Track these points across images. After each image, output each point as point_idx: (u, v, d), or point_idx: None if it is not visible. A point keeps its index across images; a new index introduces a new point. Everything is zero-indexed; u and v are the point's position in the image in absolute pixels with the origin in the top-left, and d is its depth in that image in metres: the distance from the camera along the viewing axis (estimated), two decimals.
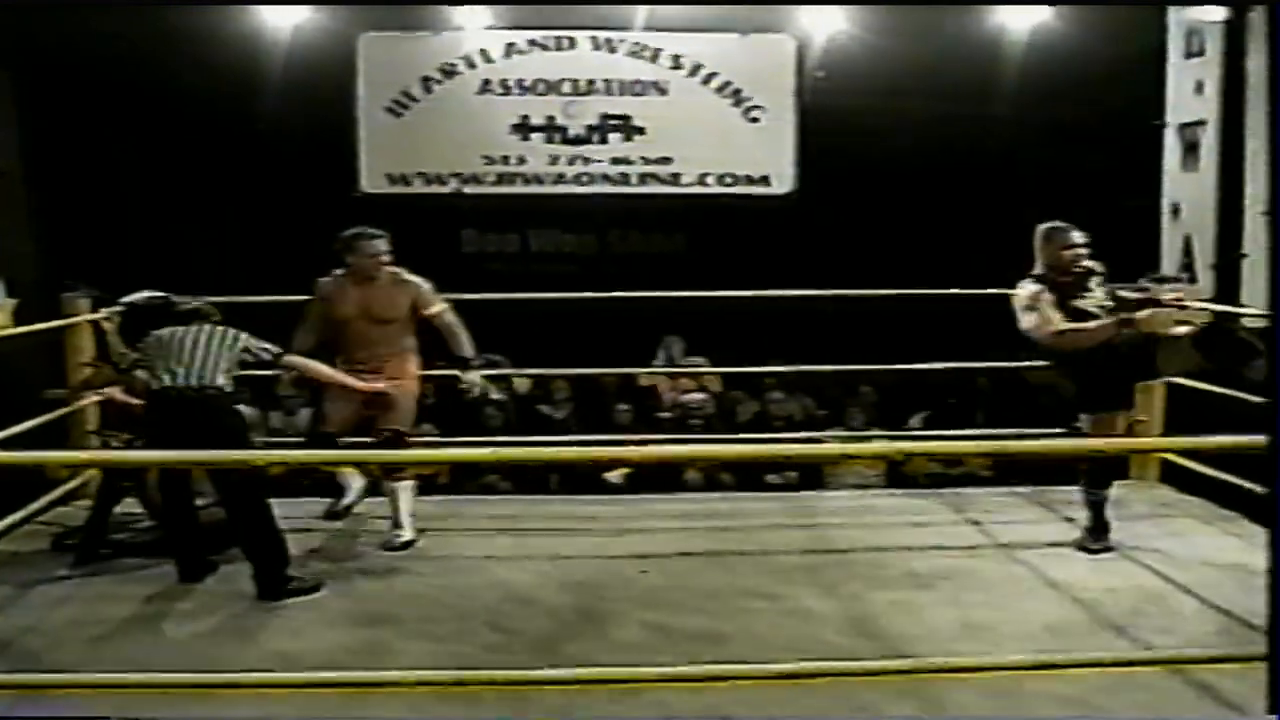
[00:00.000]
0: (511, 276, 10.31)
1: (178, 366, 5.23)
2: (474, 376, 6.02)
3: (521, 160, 9.77)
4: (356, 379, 5.78)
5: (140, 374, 5.44)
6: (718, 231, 10.64)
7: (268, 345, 5.45)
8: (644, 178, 9.81)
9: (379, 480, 6.04)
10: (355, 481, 6.06)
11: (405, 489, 5.97)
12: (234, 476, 5.06)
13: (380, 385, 5.80)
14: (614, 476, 7.98)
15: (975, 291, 7.02)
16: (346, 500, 6.05)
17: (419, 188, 9.69)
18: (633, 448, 6.49)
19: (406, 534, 5.90)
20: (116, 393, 5.76)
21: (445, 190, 9.73)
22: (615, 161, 9.82)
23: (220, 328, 5.44)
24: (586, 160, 9.80)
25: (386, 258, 5.93)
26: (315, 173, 9.76)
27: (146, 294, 6.36)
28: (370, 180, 9.70)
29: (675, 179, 9.83)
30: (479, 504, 6.41)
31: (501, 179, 9.76)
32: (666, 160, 9.83)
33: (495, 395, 8.96)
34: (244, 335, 5.42)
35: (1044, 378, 8.80)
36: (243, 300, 6.25)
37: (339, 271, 5.97)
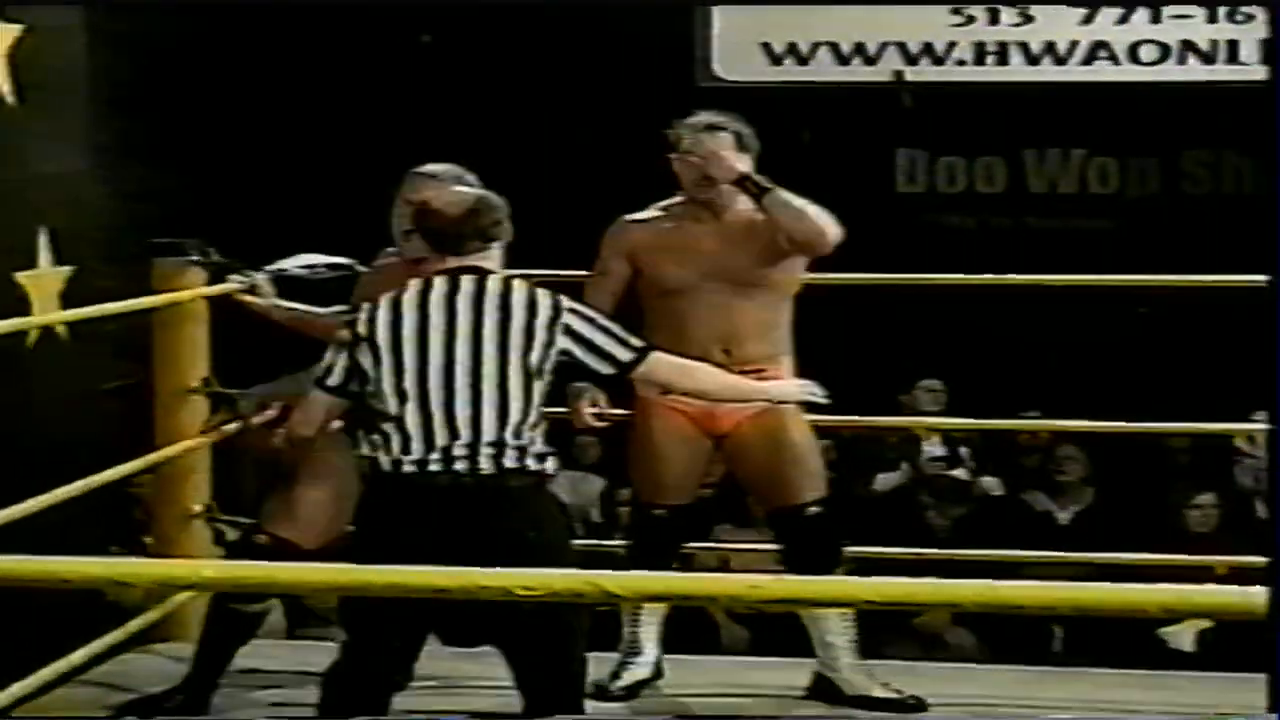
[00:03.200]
0: (986, 239, 10.64)
1: (432, 410, 4.84)
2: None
3: (1026, 18, 9.79)
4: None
5: (319, 403, 5.04)
6: None
7: (621, 331, 5.08)
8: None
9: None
10: (649, 638, 6.23)
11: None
12: (544, 624, 4.70)
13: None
14: (1180, 635, 8.05)
15: None
16: (634, 674, 6.19)
17: (822, 72, 9.95)
18: None
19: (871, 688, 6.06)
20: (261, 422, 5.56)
21: (875, 79, 10.00)
22: (1212, 20, 9.75)
23: (511, 284, 4.93)
24: (1158, 17, 9.79)
25: (746, 165, 5.85)
26: (628, 51, 10.25)
27: (314, 260, 6.67)
28: (727, 60, 10.01)
29: None
30: (929, 678, 6.35)
31: (982, 55, 9.98)
32: None
33: (952, 468, 9.27)
34: (567, 305, 4.96)
35: None
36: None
37: (668, 203, 6.01)
